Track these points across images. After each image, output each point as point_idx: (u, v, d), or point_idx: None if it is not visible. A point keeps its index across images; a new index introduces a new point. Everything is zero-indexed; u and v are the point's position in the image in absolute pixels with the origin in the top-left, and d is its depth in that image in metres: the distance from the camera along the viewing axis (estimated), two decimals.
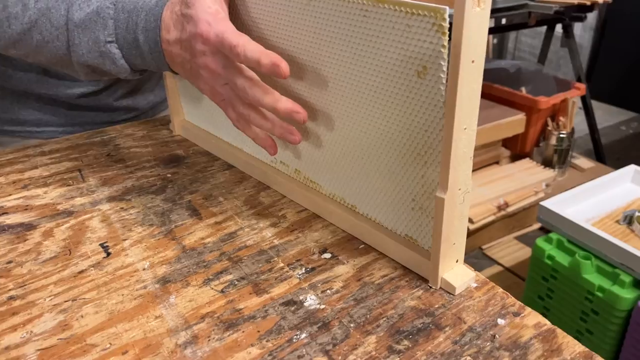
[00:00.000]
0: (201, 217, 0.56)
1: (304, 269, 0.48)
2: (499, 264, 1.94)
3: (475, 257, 1.97)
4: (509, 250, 2.00)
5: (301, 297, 0.45)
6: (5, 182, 0.63)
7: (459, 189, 0.42)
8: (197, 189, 0.62)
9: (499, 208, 1.99)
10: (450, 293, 0.45)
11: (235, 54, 0.46)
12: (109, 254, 0.51)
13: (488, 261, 1.96)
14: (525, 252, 1.96)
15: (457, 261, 0.46)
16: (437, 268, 0.45)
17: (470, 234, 1.94)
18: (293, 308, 0.44)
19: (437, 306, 0.44)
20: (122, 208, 0.58)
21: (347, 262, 0.49)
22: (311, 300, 0.44)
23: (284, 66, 0.46)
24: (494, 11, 1.89)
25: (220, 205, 0.59)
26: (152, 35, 0.53)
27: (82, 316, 0.43)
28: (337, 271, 0.48)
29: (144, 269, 0.48)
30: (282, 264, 0.49)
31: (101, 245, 0.52)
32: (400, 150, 0.46)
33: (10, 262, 0.50)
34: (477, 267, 2.06)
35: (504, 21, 2.00)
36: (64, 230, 0.54)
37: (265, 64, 0.46)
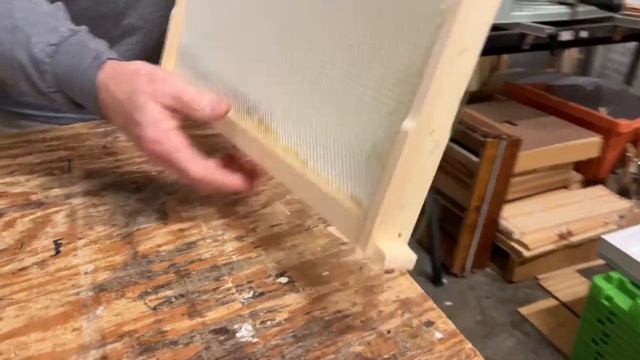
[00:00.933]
0: (167, 221, 0.52)
1: (252, 292, 0.43)
2: (554, 297, 1.78)
3: (529, 287, 1.82)
4: (568, 284, 1.83)
5: (236, 326, 0.40)
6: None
7: (432, 131, 0.33)
8: (177, 190, 0.58)
9: (561, 236, 1.83)
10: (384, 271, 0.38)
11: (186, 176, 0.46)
12: (58, 252, 0.48)
13: (542, 293, 1.81)
14: (586, 287, 1.79)
15: (399, 235, 0.36)
16: (371, 227, 0.35)
17: (525, 261, 1.80)
18: (222, 338, 0.38)
19: (386, 356, 0.37)
20: (93, 204, 0.55)
21: (303, 290, 0.43)
22: (245, 331, 0.39)
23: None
24: (574, 23, 1.74)
25: (193, 210, 0.54)
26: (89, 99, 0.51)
27: (1, 318, 0.40)
28: (287, 300, 0.42)
29: (85, 273, 0.45)
30: (230, 284, 0.44)
31: (55, 242, 0.49)
32: (375, 73, 0.37)
33: None
34: (530, 299, 1.91)
35: (584, 34, 1.84)
36: (26, 222, 0.52)
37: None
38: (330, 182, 0.41)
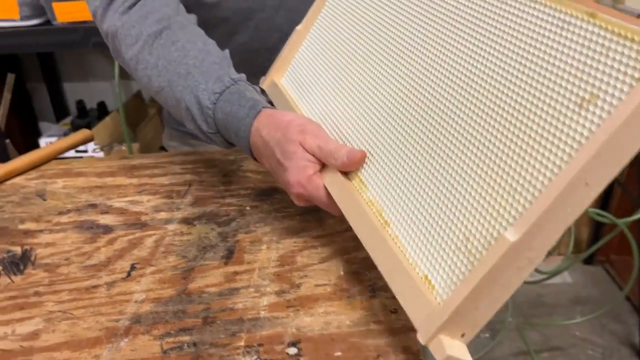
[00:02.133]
0: (229, 261, 0.54)
1: (255, 357, 0.42)
2: None
3: None
4: None
5: None
6: (133, 184, 0.72)
7: (530, 249, 0.33)
8: (255, 230, 0.60)
9: None
10: None
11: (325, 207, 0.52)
12: (129, 275, 0.53)
13: None
14: None
15: (462, 335, 0.36)
16: (440, 320, 0.35)
17: None
18: None
19: None
20: (181, 232, 0.60)
21: None
22: None
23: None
24: None
25: (257, 253, 0.55)
26: (243, 142, 0.57)
27: (54, 330, 0.47)
28: None
29: (135, 301, 0.49)
30: (242, 343, 0.44)
31: (132, 265, 0.55)
32: (492, 176, 0.37)
33: (66, 259, 0.57)
34: None
35: None
36: (124, 241, 0.59)
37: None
38: (408, 254, 0.41)
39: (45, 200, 0.70)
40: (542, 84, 0.37)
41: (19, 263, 0.56)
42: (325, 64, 0.60)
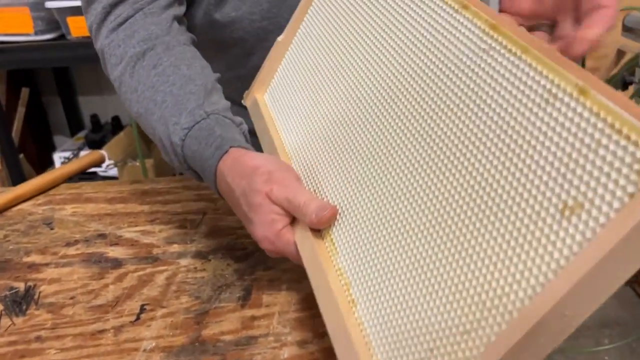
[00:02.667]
0: (246, 304, 0.50)
1: None
2: None
3: None
4: None
5: None
6: (145, 211, 0.69)
7: None
8: (274, 266, 0.55)
9: None
10: None
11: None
12: (138, 319, 0.49)
13: None
14: None
15: None
16: None
17: None
18: None
19: None
20: (195, 268, 0.56)
21: None
22: None
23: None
24: None
25: (275, 295, 0.51)
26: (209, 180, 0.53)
27: None
28: None
29: (144, 350, 0.45)
30: None
31: (141, 306, 0.51)
32: (462, 294, 0.31)
33: (72, 297, 0.53)
34: None
35: None
36: (134, 277, 0.55)
37: None
38: (371, 348, 0.36)
39: (52, 229, 0.66)
40: (514, 173, 0.31)
41: (21, 302, 0.53)
42: (305, 82, 0.55)
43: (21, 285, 0.55)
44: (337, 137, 0.48)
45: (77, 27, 1.47)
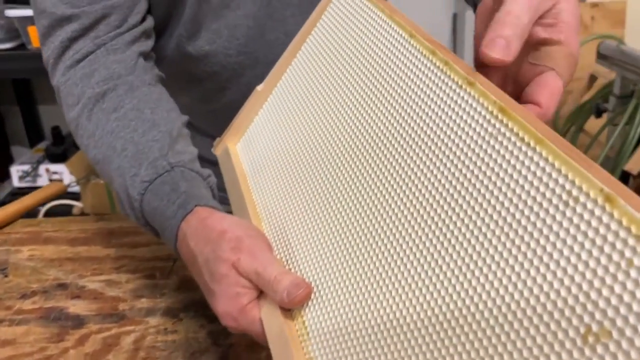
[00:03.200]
0: None
1: None
2: None
3: None
4: None
5: None
6: (111, 256, 0.64)
7: None
8: None
9: None
10: None
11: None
12: None
13: None
14: None
15: None
16: None
17: None
18: None
19: None
20: (165, 329, 0.52)
21: None
22: None
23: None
24: None
25: None
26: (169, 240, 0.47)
27: None
28: None
29: None
30: None
31: None
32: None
33: None
34: None
35: None
36: (97, 340, 0.50)
37: None
38: None
39: (6, 276, 0.61)
40: (528, 284, 0.27)
41: None
42: (282, 137, 0.51)
43: None
44: (315, 201, 0.44)
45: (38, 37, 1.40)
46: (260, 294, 0.41)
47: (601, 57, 1.41)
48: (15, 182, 1.72)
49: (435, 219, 0.34)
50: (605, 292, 0.24)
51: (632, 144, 1.24)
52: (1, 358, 0.49)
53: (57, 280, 0.59)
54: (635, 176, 1.38)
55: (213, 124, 0.74)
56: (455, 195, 0.33)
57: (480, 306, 0.29)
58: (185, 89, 0.71)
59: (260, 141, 0.54)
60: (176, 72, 0.68)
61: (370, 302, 0.35)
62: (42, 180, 1.70)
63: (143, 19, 0.59)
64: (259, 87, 0.56)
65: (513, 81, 0.40)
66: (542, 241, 0.28)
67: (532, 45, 0.38)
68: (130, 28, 0.58)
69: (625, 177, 1.45)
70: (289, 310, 0.40)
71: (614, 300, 0.24)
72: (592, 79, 1.53)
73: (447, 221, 0.33)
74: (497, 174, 0.31)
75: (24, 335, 0.51)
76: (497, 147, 0.32)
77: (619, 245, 0.24)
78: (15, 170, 1.71)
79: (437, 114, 0.37)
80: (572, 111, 1.51)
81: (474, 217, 0.31)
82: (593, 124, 1.44)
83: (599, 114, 1.33)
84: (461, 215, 0.32)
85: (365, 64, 0.46)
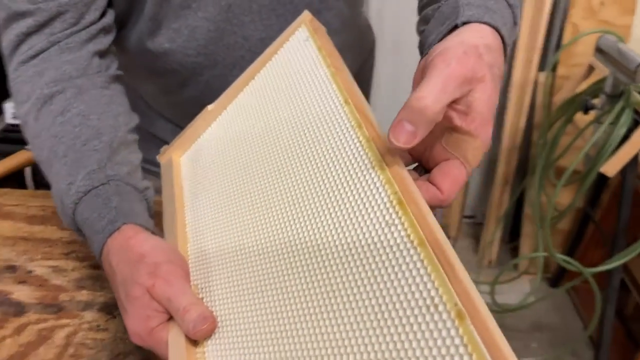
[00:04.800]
0: None
1: None
2: None
3: None
4: None
5: None
6: (63, 240, 0.67)
7: None
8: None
9: None
10: None
11: None
12: None
13: None
14: None
15: None
16: None
17: None
18: None
19: None
20: (98, 326, 0.55)
21: None
22: None
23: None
24: None
25: None
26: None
27: None
28: None
29: None
30: None
31: None
32: None
33: None
34: None
35: None
36: (33, 331, 0.54)
37: None
38: None
39: None
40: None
41: None
42: (222, 164, 0.53)
43: None
44: (239, 233, 0.46)
45: None
46: (171, 317, 0.44)
47: (599, 51, 1.38)
48: (8, 119, 1.74)
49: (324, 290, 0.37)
50: None
51: (612, 146, 1.23)
52: None
53: (7, 262, 0.63)
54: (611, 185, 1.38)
55: (174, 113, 0.75)
56: (341, 276, 0.36)
57: None
58: (147, 79, 0.72)
59: (202, 159, 0.56)
60: (138, 64, 0.69)
61: (269, 345, 0.39)
62: None
63: (102, 15, 0.60)
64: (210, 107, 0.58)
65: (429, 150, 0.42)
66: (395, 338, 0.31)
67: (446, 128, 0.39)
68: (87, 25, 0.58)
69: (602, 180, 1.45)
70: (194, 340, 0.43)
71: None
72: (590, 69, 1.50)
73: (331, 294, 0.36)
74: (378, 265, 0.34)
75: None
76: (388, 237, 0.35)
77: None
78: (9, 107, 1.73)
79: (345, 192, 0.40)
80: (564, 102, 1.49)
81: (350, 301, 0.35)
82: (583, 116, 1.43)
83: (586, 111, 1.32)
84: (342, 293, 0.35)
85: (300, 115, 0.48)
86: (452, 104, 0.38)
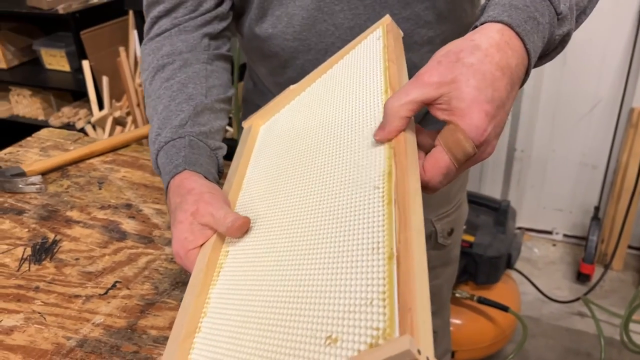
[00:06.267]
0: None
1: None
2: None
3: None
4: None
5: None
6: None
7: None
8: None
9: None
10: None
11: None
12: (106, 293, 0.61)
13: None
14: None
15: None
16: None
17: None
18: None
19: None
20: (172, 259, 0.66)
21: None
22: None
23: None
24: None
25: None
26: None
27: (24, 331, 0.56)
28: None
29: (93, 323, 0.57)
30: None
31: (114, 282, 0.62)
32: None
33: (77, 258, 0.66)
34: None
35: None
36: (126, 254, 0.67)
37: None
38: None
39: (100, 189, 0.81)
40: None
41: (42, 252, 0.68)
42: (280, 143, 0.61)
43: (52, 237, 0.70)
44: (272, 206, 0.53)
45: None
46: (205, 243, 0.53)
47: None
48: None
49: None
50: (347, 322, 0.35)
51: None
52: (65, 249, 0.68)
53: (127, 201, 0.78)
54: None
55: (279, 93, 0.84)
56: (325, 222, 0.45)
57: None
58: (259, 61, 0.82)
59: (273, 131, 0.64)
60: (251, 47, 0.79)
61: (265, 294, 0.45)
62: None
63: (218, 4, 0.71)
64: (292, 87, 0.67)
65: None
66: (341, 267, 0.39)
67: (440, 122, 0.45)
68: (204, 13, 0.70)
69: None
70: (214, 262, 0.51)
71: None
72: None
73: None
74: (352, 215, 0.43)
75: (87, 236, 0.70)
76: (370, 197, 0.43)
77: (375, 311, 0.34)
78: None
79: (352, 167, 0.47)
80: None
81: None
82: None
83: None
84: None
85: (345, 106, 0.56)
86: (435, 103, 0.44)
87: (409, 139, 0.45)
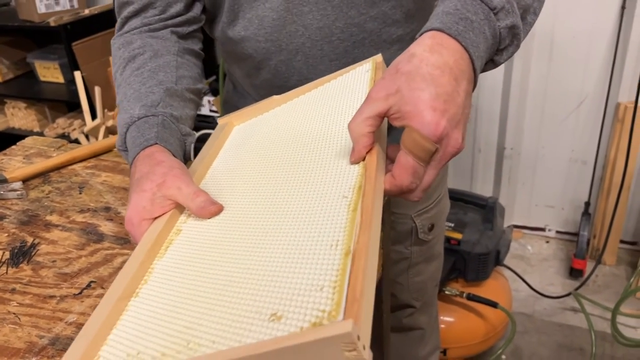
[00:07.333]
0: None
1: None
2: None
3: None
4: None
5: None
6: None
7: None
8: None
9: None
10: None
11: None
12: (80, 293, 0.62)
13: None
14: None
15: None
16: None
17: None
18: None
19: None
20: None
21: None
22: None
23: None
24: None
25: None
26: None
27: None
28: None
29: (65, 322, 0.58)
30: None
31: (89, 282, 0.64)
32: None
33: (53, 261, 0.68)
34: None
35: None
36: (102, 255, 0.68)
37: None
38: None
39: (80, 193, 0.82)
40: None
41: (20, 256, 0.69)
42: (254, 147, 0.63)
43: (30, 240, 0.72)
44: (241, 197, 0.55)
45: None
46: (157, 217, 0.55)
47: None
48: None
49: None
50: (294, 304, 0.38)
51: None
52: (42, 252, 0.70)
53: (106, 204, 0.79)
54: None
55: (255, 94, 0.87)
56: (291, 212, 0.48)
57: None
58: (235, 64, 0.84)
59: (251, 133, 0.66)
60: (226, 50, 0.81)
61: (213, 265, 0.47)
62: None
63: (188, 9, 0.74)
64: (275, 97, 0.69)
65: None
66: (303, 257, 0.42)
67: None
68: (174, 16, 0.74)
69: None
70: (162, 238, 0.53)
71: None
72: None
73: None
74: (319, 216, 0.46)
75: (65, 239, 0.72)
76: (339, 206, 0.46)
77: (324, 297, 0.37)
78: None
79: (329, 174, 0.50)
80: None
81: None
82: None
83: None
84: None
85: (325, 124, 0.59)
86: (389, 114, 0.48)
87: (379, 154, 0.49)
